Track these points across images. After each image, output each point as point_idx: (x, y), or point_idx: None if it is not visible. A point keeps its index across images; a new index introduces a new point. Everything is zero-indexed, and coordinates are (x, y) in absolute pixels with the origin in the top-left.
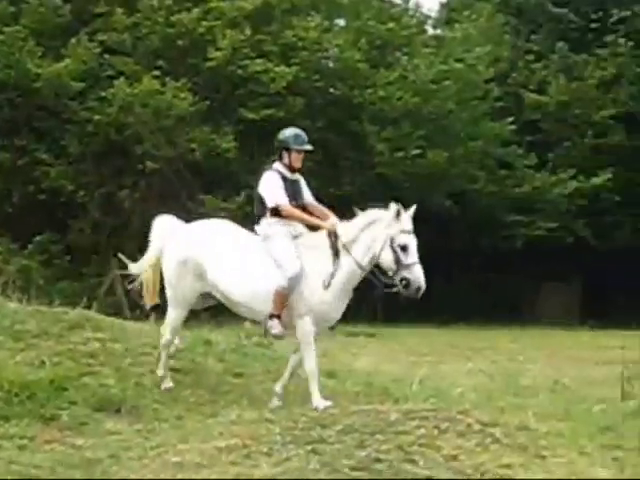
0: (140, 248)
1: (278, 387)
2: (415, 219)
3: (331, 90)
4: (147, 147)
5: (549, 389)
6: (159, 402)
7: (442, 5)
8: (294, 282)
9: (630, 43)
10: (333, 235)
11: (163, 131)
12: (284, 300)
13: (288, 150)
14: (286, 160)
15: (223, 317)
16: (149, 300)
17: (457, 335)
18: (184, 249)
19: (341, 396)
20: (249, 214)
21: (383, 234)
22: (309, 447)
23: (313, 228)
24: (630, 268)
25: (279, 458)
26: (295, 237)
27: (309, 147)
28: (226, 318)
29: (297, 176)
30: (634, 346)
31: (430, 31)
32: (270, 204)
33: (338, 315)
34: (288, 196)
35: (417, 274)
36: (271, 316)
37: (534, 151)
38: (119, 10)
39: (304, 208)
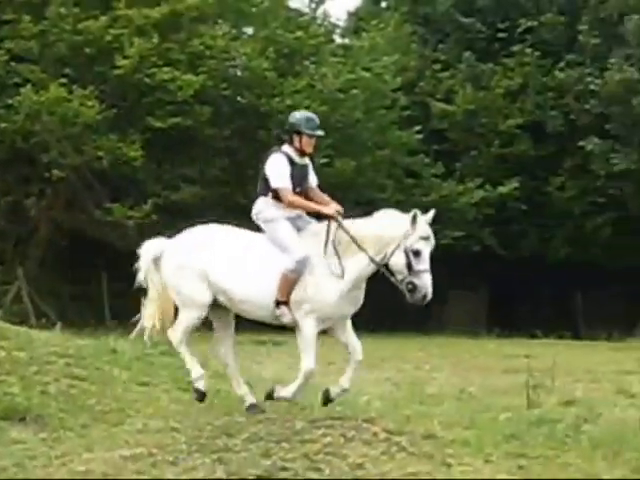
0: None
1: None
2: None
3: (239, 99)
4: (54, 155)
5: (455, 397)
6: (64, 411)
7: (350, 14)
8: (301, 265)
9: (536, 53)
10: (336, 222)
11: (70, 139)
12: (291, 285)
13: (299, 134)
14: (297, 144)
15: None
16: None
17: (364, 343)
18: (180, 255)
19: None
20: (155, 223)
21: (398, 236)
22: (215, 456)
23: (316, 216)
24: (536, 277)
25: (185, 467)
26: (294, 220)
27: (321, 133)
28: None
29: (306, 160)
30: (539, 355)
31: (338, 40)
32: (273, 185)
33: (349, 310)
34: (294, 181)
35: (425, 281)
36: (278, 303)
37: (441, 160)
38: (26, 17)
39: (306, 193)
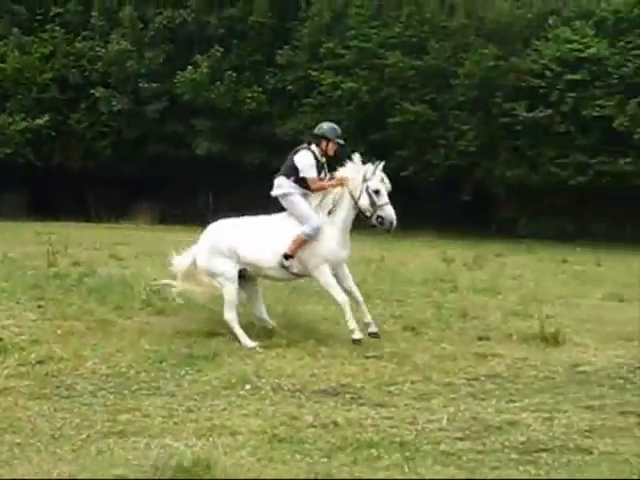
0: None
1: (365, 316)
2: None
3: None
4: None
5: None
6: None
7: None
8: (317, 232)
9: (62, 30)
10: (345, 182)
11: None
12: (301, 245)
13: (327, 140)
14: (323, 147)
15: None
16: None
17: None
18: (209, 243)
19: None
20: None
21: (361, 183)
22: None
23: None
24: (58, 183)
25: None
26: (305, 195)
27: (342, 142)
28: None
29: (324, 160)
30: (59, 232)
31: None
32: (302, 174)
33: (347, 251)
34: (317, 172)
35: (389, 212)
36: (286, 257)
37: None
38: None
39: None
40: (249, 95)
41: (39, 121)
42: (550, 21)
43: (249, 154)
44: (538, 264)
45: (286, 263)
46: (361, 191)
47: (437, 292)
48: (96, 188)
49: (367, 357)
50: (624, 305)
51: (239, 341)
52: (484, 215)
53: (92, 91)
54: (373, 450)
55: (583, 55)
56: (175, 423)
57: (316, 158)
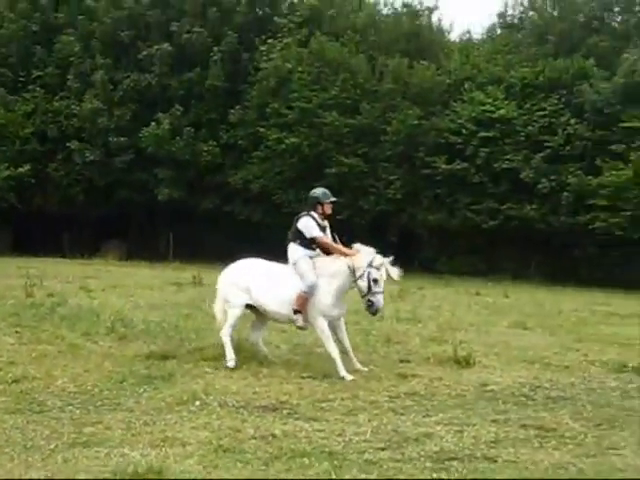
0: None
1: (354, 363)
2: None
3: None
4: None
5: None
6: None
7: None
8: (312, 289)
9: (42, 90)
10: (352, 255)
11: None
12: (304, 301)
13: (321, 204)
14: (320, 210)
15: None
16: None
17: None
18: (232, 276)
19: None
20: None
21: (365, 267)
22: None
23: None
24: (34, 222)
25: None
26: (312, 257)
27: (335, 199)
28: None
29: (326, 223)
30: (38, 266)
31: None
32: (308, 236)
33: (343, 309)
34: None
35: (379, 300)
36: (295, 312)
37: None
38: None
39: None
40: (205, 148)
41: (21, 170)
42: (466, 86)
43: (205, 200)
44: (454, 296)
45: (294, 317)
46: (362, 274)
47: (366, 321)
48: (71, 229)
49: (303, 377)
50: (527, 332)
51: (224, 355)
52: (408, 254)
53: (68, 144)
54: (305, 459)
55: (494, 116)
56: (133, 435)
57: (316, 221)
